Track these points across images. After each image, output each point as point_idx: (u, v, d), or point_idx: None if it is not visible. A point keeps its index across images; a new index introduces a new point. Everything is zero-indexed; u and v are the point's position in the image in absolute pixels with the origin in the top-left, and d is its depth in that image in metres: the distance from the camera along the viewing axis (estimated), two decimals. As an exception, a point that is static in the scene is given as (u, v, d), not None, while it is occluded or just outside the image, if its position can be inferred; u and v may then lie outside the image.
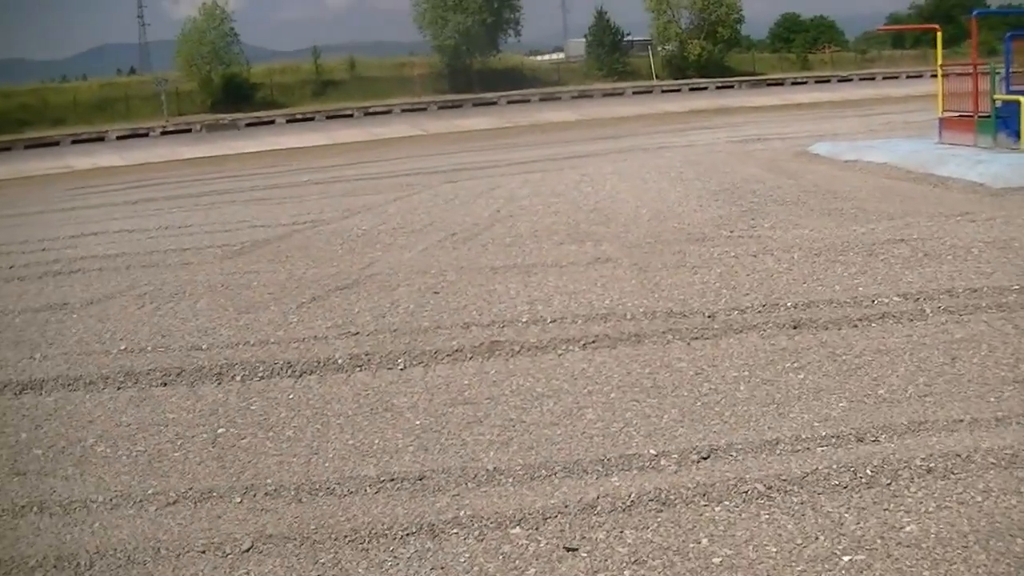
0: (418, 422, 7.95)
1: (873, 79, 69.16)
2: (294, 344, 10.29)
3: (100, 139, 49.15)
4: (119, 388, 9.40)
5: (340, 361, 9.61)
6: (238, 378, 9.39)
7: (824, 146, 26.41)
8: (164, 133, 50.83)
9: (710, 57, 69.20)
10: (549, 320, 10.55)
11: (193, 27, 59.35)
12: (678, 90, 63.33)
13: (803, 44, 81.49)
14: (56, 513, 6.74)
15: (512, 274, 12.99)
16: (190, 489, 6.90)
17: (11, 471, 7.61)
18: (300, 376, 9.34)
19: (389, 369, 9.38)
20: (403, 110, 55.30)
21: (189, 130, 51.38)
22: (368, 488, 6.69)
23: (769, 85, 66.53)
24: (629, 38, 71.74)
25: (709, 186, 20.07)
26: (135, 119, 53.30)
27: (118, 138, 49.22)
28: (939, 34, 26.91)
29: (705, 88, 63.85)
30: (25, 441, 8.27)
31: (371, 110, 54.72)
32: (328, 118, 53.14)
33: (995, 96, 22.26)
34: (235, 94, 57.52)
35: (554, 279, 12.54)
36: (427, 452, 7.30)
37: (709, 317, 10.30)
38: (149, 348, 10.59)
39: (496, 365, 9.29)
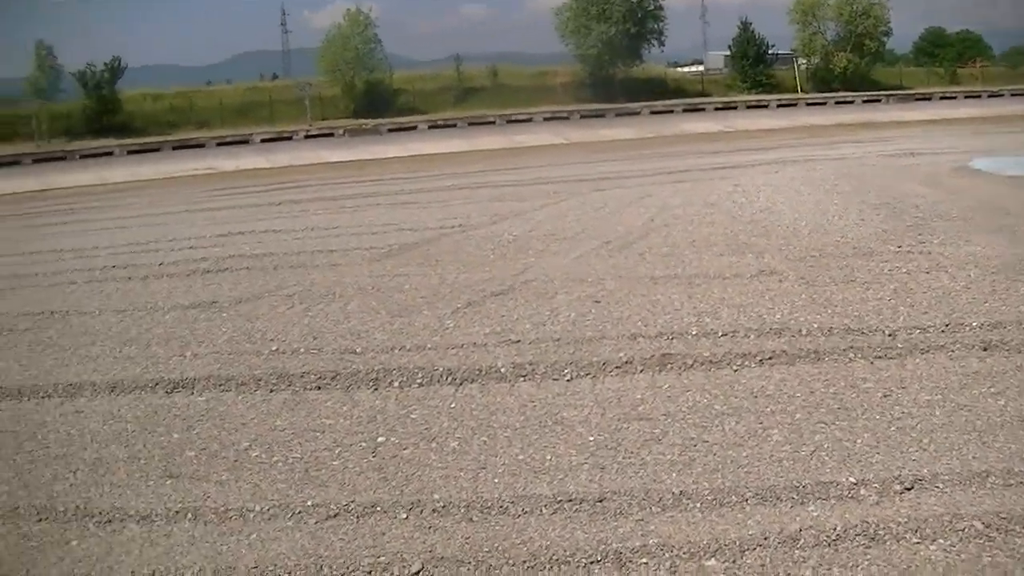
0: (591, 438, 7.46)
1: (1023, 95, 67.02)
2: (452, 350, 9.87)
3: (244, 142, 49.43)
4: (272, 390, 9.06)
5: (503, 370, 9.15)
6: (395, 384, 9.00)
7: (985, 162, 25.44)
8: (307, 137, 50.99)
9: (856, 70, 67.70)
10: (720, 333, 10.00)
11: (337, 33, 59.51)
12: (823, 103, 61.97)
13: (949, 59, 79.74)
14: (211, 521, 6.37)
15: (674, 284, 12.44)
16: (351, 502, 6.49)
17: (164, 473, 7.28)
18: (461, 384, 8.92)
19: (555, 380, 8.90)
20: (545, 118, 54.80)
21: (332, 134, 51.45)
22: (543, 508, 6.22)
23: (917, 100, 64.78)
24: (773, 50, 70.53)
25: (868, 199, 19.29)
26: (279, 123, 53.60)
27: (262, 141, 49.49)
28: None
29: (851, 102, 62.39)
30: (177, 442, 7.95)
31: (512, 118, 54.36)
32: (469, 125, 52.87)
33: None
34: (377, 100, 57.58)
35: (718, 291, 11.97)
36: (604, 471, 6.80)
37: (890, 335, 9.69)
38: (301, 350, 10.25)
39: (669, 379, 8.77)
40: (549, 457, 7.10)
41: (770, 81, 67.56)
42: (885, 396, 8.05)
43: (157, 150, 47.99)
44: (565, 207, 21.10)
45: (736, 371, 8.91)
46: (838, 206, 18.64)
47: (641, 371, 9.00)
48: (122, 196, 32.82)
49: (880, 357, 9.08)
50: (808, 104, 61.65)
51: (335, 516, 6.30)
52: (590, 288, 12.46)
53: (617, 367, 9.09)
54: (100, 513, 6.63)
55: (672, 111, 57.83)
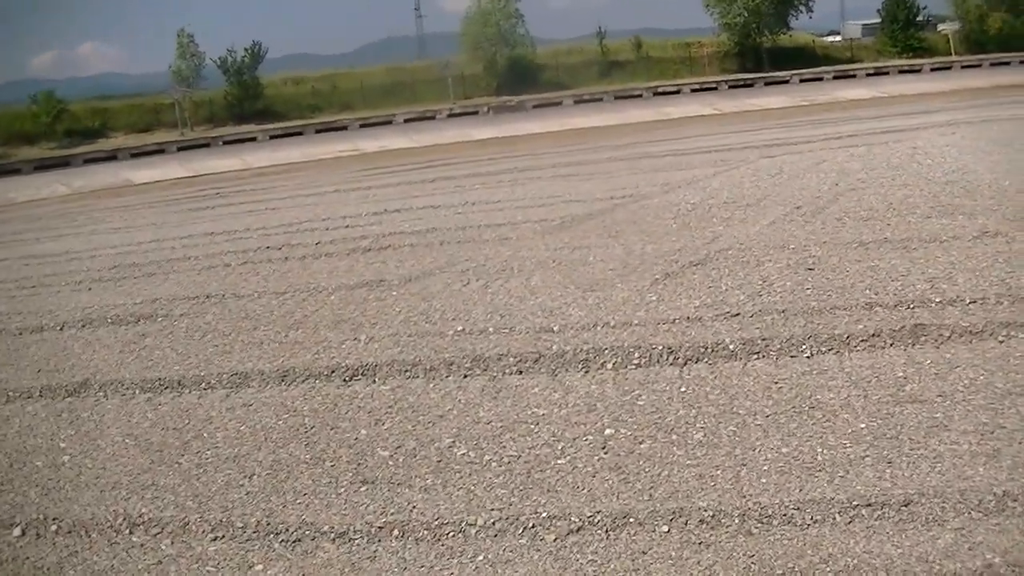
0: (862, 425, 6.24)
1: None
2: (664, 326, 8.70)
3: (388, 122, 48.69)
4: (466, 376, 7.96)
5: (731, 347, 7.91)
6: (609, 366, 7.82)
7: None
8: (451, 115, 50.11)
9: (1011, 31, 64.95)
10: (967, 300, 8.67)
11: (478, 11, 58.61)
12: (978, 65, 59.42)
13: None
14: (424, 539, 5.26)
15: (888, 249, 11.14)
16: (596, 512, 5.28)
17: (356, 478, 6.19)
18: (685, 364, 7.73)
19: (793, 357, 7.67)
20: (692, 90, 53.28)
21: (476, 112, 50.52)
22: (836, 515, 5.02)
23: (1084, 59, 61.86)
24: (925, 12, 67.95)
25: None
26: (421, 103, 52.76)
27: (405, 121, 48.72)
28: None
29: (1008, 63, 59.76)
30: (366, 439, 6.87)
31: (659, 90, 52.93)
32: (616, 98, 51.55)
33: None
34: (520, 76, 56.41)
35: (942, 255, 10.64)
36: (891, 466, 5.59)
37: None
38: (490, 329, 9.13)
39: (929, 353, 7.49)
40: (820, 450, 5.88)
41: (922, 45, 65.10)
42: None
43: (300, 133, 47.53)
44: (738, 175, 19.74)
45: (1003, 342, 7.58)
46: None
47: (892, 344, 7.74)
48: (268, 179, 32.18)
49: None
50: (963, 67, 59.15)
51: (578, 531, 5.11)
52: (796, 255, 11.21)
53: (863, 340, 7.86)
54: (286, 530, 5.56)
55: (822, 78, 55.84)
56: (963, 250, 10.80)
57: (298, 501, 5.95)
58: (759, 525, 5.01)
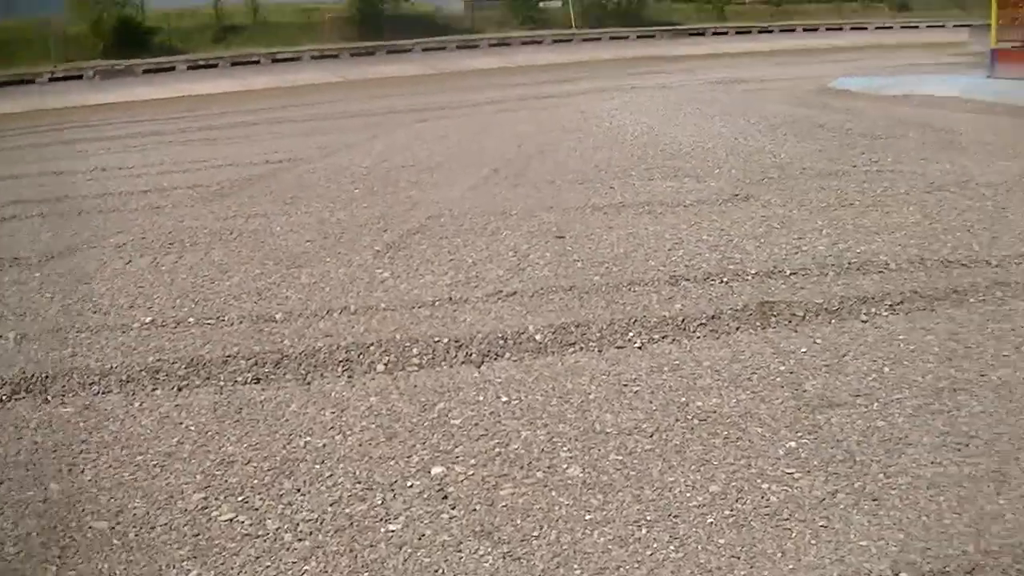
0: (792, 444, 4.42)
1: (793, 31, 66.60)
2: (424, 310, 6.84)
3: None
4: (181, 389, 5.72)
5: (537, 337, 6.06)
6: (380, 367, 5.88)
7: (851, 81, 23.30)
8: (53, 79, 45.93)
9: (629, 6, 65.98)
10: (787, 271, 7.25)
11: (81, -37, 54.36)
12: (598, 39, 59.83)
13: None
14: None
15: (632, 214, 9.71)
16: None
17: None
18: (483, 362, 5.88)
19: (622, 348, 6.03)
20: (313, 57, 50.70)
21: (81, 76, 46.50)
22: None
23: (691, 35, 63.47)
24: (545, -17, 68.16)
25: (754, 122, 16.75)
26: (17, 65, 48.24)
27: (1, 84, 44.34)
28: None
29: (626, 37, 60.52)
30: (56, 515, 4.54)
31: (278, 57, 50.20)
32: (233, 64, 48.40)
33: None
34: (129, 39, 52.44)
35: (704, 220, 9.38)
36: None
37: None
38: (191, 320, 7.00)
39: (793, 339, 5.98)
40: (774, 493, 4.03)
41: (542, 16, 65.16)
42: None
43: None
44: (402, 137, 17.98)
45: (867, 321, 6.05)
46: (732, 128, 16.13)
47: (739, 328, 6.11)
48: None
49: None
50: (583, 40, 59.43)
51: None
52: (529, 222, 9.57)
53: (701, 324, 6.10)
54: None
55: (445, 48, 54.65)
56: (724, 215, 9.58)
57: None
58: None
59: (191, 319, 6.87)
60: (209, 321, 6.79)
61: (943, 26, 66.64)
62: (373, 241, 9.01)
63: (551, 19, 65.18)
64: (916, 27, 67.41)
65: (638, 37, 60.65)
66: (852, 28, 66.90)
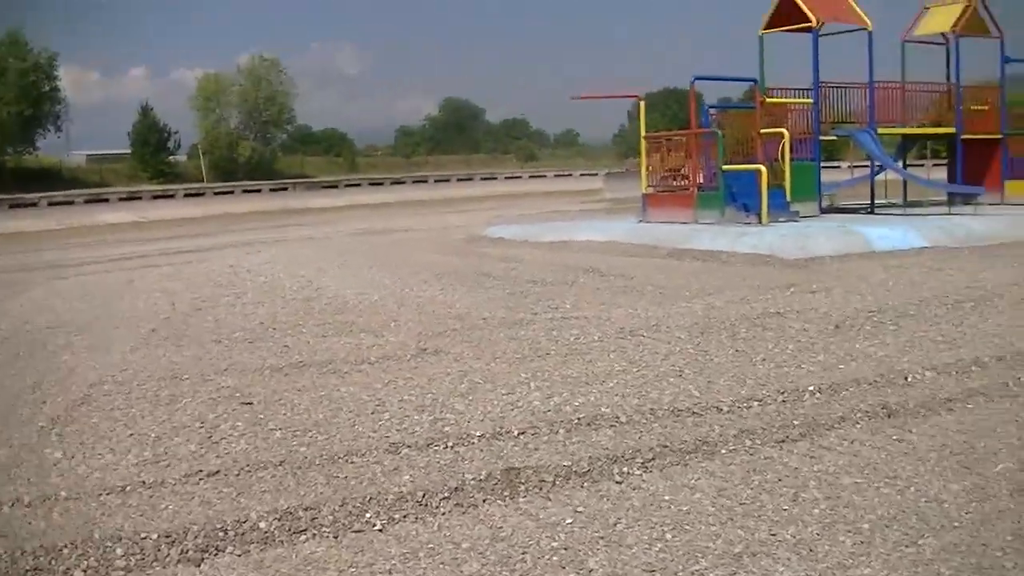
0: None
1: (426, 181, 68.02)
2: (115, 497, 5.81)
3: None
4: None
5: (263, 526, 5.26)
6: None
7: (503, 229, 23.47)
8: None
9: (261, 159, 65.69)
10: (513, 430, 6.86)
11: None
12: (231, 192, 59.17)
13: (321, 153, 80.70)
14: None
15: (317, 374, 9.13)
16: None
17: None
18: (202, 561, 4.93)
19: (380, 530, 5.22)
20: (-72, 210, 47.95)
21: None
22: None
23: (324, 187, 63.67)
24: (176, 137, 67.10)
25: (415, 272, 16.56)
26: None
27: None
28: (643, 104, 24.00)
29: (259, 190, 60.12)
30: None
31: None
32: None
33: (724, 167, 19.85)
34: None
35: (399, 379, 8.81)
36: None
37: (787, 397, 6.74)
38: None
39: (545, 507, 5.39)
40: None
41: (173, 170, 64.08)
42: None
43: None
44: (38, 296, 16.78)
45: (623, 483, 5.75)
46: (392, 278, 15.84)
47: (487, 501, 5.63)
48: None
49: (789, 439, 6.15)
50: (216, 193, 58.66)
51: None
52: (206, 386, 8.80)
53: (445, 498, 5.66)
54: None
55: (73, 202, 52.64)
56: (417, 371, 9.07)
57: None
58: None
59: None
60: None
61: (570, 175, 69.48)
62: (33, 415, 8.01)
63: (183, 173, 64.23)
64: (544, 176, 69.92)
65: (271, 190, 60.49)
66: (482, 178, 68.79)
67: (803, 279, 13.85)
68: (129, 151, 67.36)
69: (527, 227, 24.09)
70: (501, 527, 5.23)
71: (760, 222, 19.39)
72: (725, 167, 20.21)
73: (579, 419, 7.05)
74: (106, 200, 54.18)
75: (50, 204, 51.79)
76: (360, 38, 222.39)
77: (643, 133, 23.08)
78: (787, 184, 20.58)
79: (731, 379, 8.20)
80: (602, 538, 5.02)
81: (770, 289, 12.95)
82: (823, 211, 22.55)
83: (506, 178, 69.82)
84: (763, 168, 19.54)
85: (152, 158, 63.43)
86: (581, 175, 70.34)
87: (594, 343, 9.91)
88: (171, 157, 65.93)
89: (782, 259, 15.67)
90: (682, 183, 21.75)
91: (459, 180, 68.23)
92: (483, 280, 15.00)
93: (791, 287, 13.08)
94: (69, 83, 56.80)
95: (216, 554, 4.99)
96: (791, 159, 20.84)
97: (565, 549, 4.90)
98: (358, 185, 65.23)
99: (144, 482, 6.01)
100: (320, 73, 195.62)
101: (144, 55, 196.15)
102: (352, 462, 6.27)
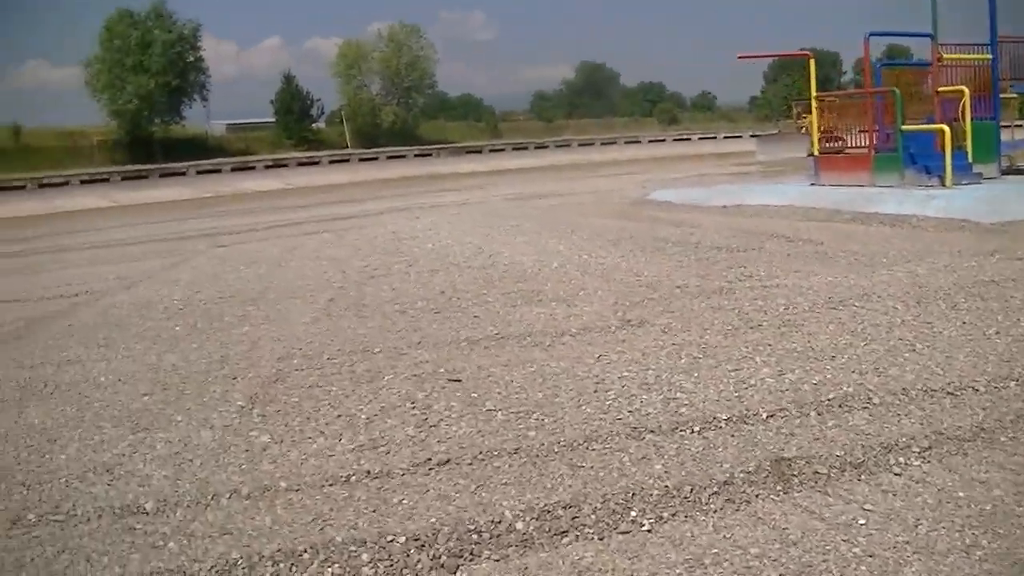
0: None
1: (569, 145, 67.55)
2: (340, 489, 5.22)
3: None
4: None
5: (519, 526, 4.63)
6: None
7: (669, 193, 22.65)
8: None
9: (403, 124, 65.47)
10: (761, 412, 6.21)
11: None
12: (375, 158, 59.14)
13: (459, 119, 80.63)
14: None
15: (518, 348, 8.52)
16: None
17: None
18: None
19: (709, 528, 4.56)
20: (82, 181, 48.35)
21: None
22: None
23: (469, 152, 63.34)
24: (319, 104, 67.14)
25: (587, 237, 15.86)
26: None
27: None
28: (812, 62, 23.04)
29: (403, 156, 60.00)
30: None
31: (45, 181, 47.62)
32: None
33: (903, 127, 18.85)
34: None
35: (609, 352, 8.10)
36: None
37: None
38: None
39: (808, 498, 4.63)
40: None
41: (317, 137, 64.12)
42: None
43: None
44: (202, 265, 16.52)
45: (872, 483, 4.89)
46: (566, 244, 15.12)
47: (757, 497, 4.82)
48: None
49: None
50: (361, 159, 58.60)
51: None
52: (403, 361, 8.22)
53: (719, 488, 4.85)
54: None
55: (220, 170, 52.93)
56: (627, 344, 8.37)
57: None
58: None
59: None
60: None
61: (714, 137, 68.43)
62: (226, 392, 7.51)
63: (326, 140, 64.24)
64: (688, 139, 69.01)
65: (416, 156, 60.19)
66: (625, 142, 68.00)
67: (1006, 245, 12.85)
68: (267, 120, 67.55)
69: (691, 191, 23.36)
70: (786, 528, 4.54)
71: (943, 185, 18.35)
72: (904, 127, 19.14)
73: (828, 400, 6.32)
74: (252, 168, 54.41)
75: (198, 172, 52.17)
76: (488, 7, 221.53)
77: (813, 93, 22.07)
78: (968, 145, 19.44)
79: (971, 355, 7.36)
80: (908, 543, 4.31)
81: (973, 255, 12.00)
82: (1003, 172, 21.27)
83: (649, 141, 68.97)
84: (946, 128, 18.46)
85: (296, 125, 63.49)
86: (724, 138, 69.28)
87: (806, 313, 9.15)
88: (314, 124, 65.89)
89: (977, 223, 14.68)
90: (856, 145, 20.72)
91: (602, 144, 67.56)
92: (663, 246, 14.28)
93: (995, 253, 12.13)
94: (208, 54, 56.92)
95: (472, 559, 4.36)
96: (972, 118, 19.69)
97: (871, 556, 4.20)
98: (502, 150, 64.85)
99: (368, 472, 5.44)
100: (450, 42, 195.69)
101: (279, 25, 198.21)
102: (593, 449, 5.63)
